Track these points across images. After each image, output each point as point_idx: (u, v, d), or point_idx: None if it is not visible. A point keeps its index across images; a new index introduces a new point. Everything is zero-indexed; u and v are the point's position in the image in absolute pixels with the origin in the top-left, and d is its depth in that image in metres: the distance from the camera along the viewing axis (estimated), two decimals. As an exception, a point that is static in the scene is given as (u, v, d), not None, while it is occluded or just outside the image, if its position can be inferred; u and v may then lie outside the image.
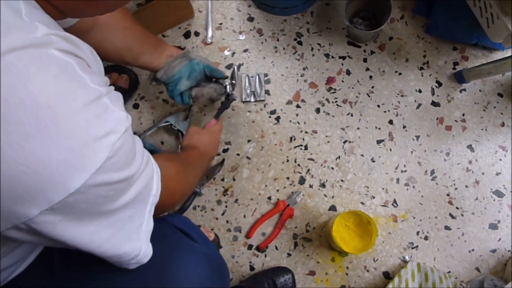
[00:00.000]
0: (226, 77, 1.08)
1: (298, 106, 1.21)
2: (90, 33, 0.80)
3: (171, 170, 0.68)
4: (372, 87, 1.22)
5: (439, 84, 1.23)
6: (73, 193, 0.37)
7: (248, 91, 1.20)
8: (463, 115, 1.20)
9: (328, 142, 1.18)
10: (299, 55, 1.25)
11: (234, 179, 1.15)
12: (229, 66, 1.23)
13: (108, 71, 1.18)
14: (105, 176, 0.40)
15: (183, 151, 0.97)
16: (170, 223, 0.71)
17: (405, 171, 1.16)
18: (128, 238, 0.50)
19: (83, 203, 0.40)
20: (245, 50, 1.25)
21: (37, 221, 0.38)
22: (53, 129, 0.35)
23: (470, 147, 1.18)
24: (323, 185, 1.15)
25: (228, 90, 1.09)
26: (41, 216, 0.37)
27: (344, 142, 1.18)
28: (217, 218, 1.13)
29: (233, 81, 1.15)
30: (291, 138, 1.18)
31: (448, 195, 1.14)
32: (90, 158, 0.38)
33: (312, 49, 1.26)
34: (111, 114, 0.40)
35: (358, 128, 1.19)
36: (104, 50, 0.85)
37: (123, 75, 1.18)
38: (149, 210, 0.52)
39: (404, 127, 1.19)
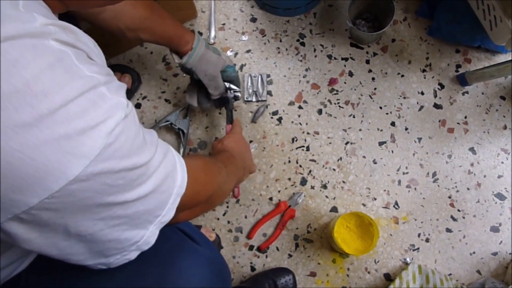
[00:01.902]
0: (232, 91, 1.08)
1: (300, 107, 1.21)
2: (101, 15, 0.82)
3: (197, 162, 0.66)
4: (375, 88, 1.22)
5: (442, 86, 1.23)
6: (73, 181, 0.37)
7: (250, 90, 1.20)
8: (465, 117, 1.20)
9: (330, 143, 1.18)
10: (301, 56, 1.25)
11: (235, 180, 1.15)
12: (231, 67, 1.24)
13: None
14: (107, 163, 0.39)
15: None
16: (173, 225, 0.71)
17: (407, 173, 1.16)
18: (138, 227, 0.49)
19: (87, 191, 0.39)
20: (248, 51, 1.25)
21: (38, 210, 0.37)
22: (48, 117, 0.35)
23: (472, 149, 1.18)
24: (324, 186, 1.15)
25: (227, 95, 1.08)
26: (42, 205, 0.37)
27: (346, 143, 1.18)
28: (218, 219, 1.13)
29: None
30: (293, 139, 1.18)
31: (449, 197, 1.14)
32: (88, 144, 0.37)
33: (314, 50, 1.26)
34: (108, 101, 0.40)
35: (360, 130, 1.19)
36: (115, 30, 0.86)
37: (126, 75, 1.18)
38: (172, 202, 0.51)
39: (406, 129, 1.19)
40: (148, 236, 0.50)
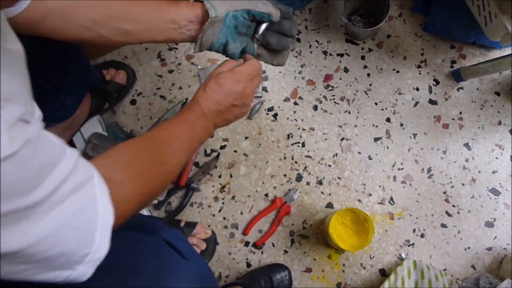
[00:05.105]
0: (270, 20, 0.73)
1: (295, 103, 1.21)
2: (42, 23, 0.64)
3: (124, 185, 0.55)
4: (370, 84, 1.22)
5: (437, 82, 1.23)
6: None
7: (246, 88, 1.20)
8: (460, 113, 1.21)
9: (326, 139, 1.18)
10: (297, 52, 1.25)
11: (231, 176, 1.15)
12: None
13: (105, 66, 1.18)
14: None
15: (166, 122, 0.69)
16: (161, 237, 0.69)
17: (402, 169, 1.16)
18: (55, 269, 0.44)
19: None
20: (243, 47, 1.25)
21: None
22: None
23: (467, 145, 1.18)
24: (320, 183, 1.15)
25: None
26: None
27: (342, 139, 1.18)
28: (214, 215, 1.13)
29: (256, 36, 0.76)
30: (288, 135, 1.18)
31: (444, 193, 1.15)
32: None
33: (310, 46, 1.25)
34: None
35: (355, 126, 1.19)
36: (69, 35, 0.67)
37: (120, 71, 1.18)
38: (100, 236, 0.46)
39: (401, 125, 1.19)
40: (77, 276, 0.46)
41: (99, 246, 0.46)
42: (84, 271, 0.46)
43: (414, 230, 1.12)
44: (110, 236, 0.47)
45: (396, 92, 1.22)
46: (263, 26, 0.74)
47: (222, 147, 1.17)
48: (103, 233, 0.47)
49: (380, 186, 1.15)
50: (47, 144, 0.42)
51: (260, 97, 1.20)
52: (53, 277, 0.44)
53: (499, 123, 1.20)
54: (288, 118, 1.19)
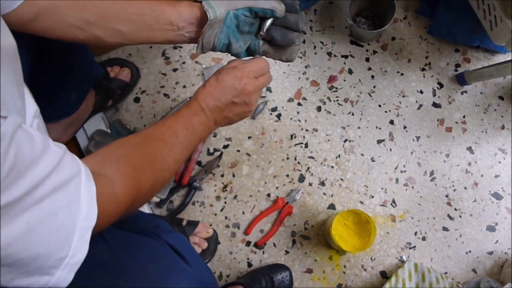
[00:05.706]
0: (274, 16, 0.70)
1: (299, 104, 1.21)
2: (34, 22, 0.63)
3: (116, 181, 0.53)
4: (374, 86, 1.22)
5: (441, 85, 1.23)
6: None
7: (250, 87, 1.20)
8: (464, 117, 1.21)
9: (329, 140, 1.18)
10: (301, 53, 1.25)
11: (233, 176, 1.15)
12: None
13: (110, 64, 1.18)
14: None
15: (164, 119, 0.67)
16: (164, 240, 0.68)
17: (405, 171, 1.16)
18: (32, 274, 0.42)
19: None
20: (248, 47, 1.25)
21: None
22: None
23: (469, 149, 1.18)
24: (322, 184, 1.15)
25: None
26: None
27: (345, 141, 1.18)
28: (215, 214, 1.13)
29: (261, 33, 0.73)
30: (291, 136, 1.18)
31: (446, 196, 1.15)
32: None
33: (314, 47, 1.25)
34: None
35: (358, 128, 1.19)
36: (62, 35, 0.66)
37: (125, 69, 1.18)
38: (78, 239, 0.44)
39: (404, 127, 1.19)
40: (56, 282, 0.44)
41: (77, 249, 0.44)
42: (63, 276, 0.44)
43: (415, 233, 1.12)
44: (89, 239, 0.45)
45: (400, 94, 1.22)
46: (268, 22, 0.71)
47: (225, 147, 1.17)
48: (83, 236, 0.44)
49: (382, 188, 1.15)
50: (24, 141, 0.40)
51: (264, 97, 1.20)
52: (30, 284, 0.42)
53: (502, 127, 1.20)
54: (291, 118, 1.19)
